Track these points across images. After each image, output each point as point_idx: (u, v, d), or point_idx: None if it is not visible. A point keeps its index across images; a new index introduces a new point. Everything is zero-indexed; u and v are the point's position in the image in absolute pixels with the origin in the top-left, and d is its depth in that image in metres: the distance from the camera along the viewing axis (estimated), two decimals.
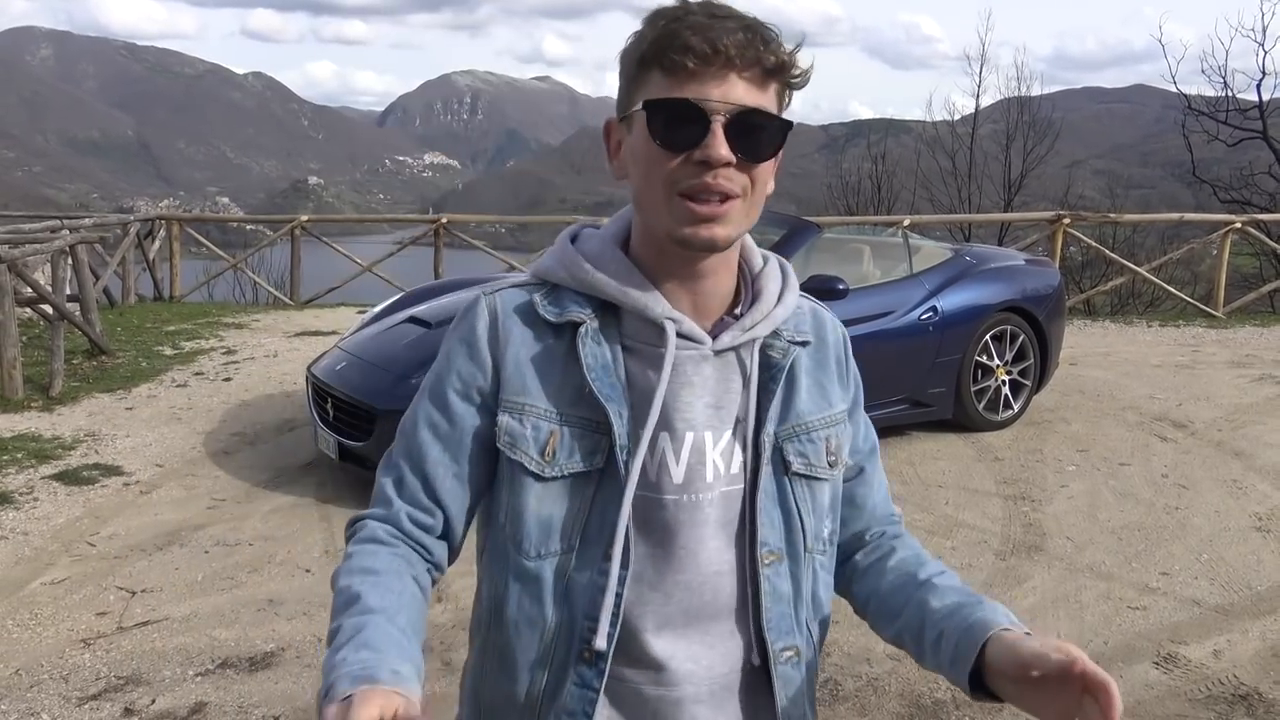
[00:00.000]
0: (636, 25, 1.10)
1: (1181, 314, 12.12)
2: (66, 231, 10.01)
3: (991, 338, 6.38)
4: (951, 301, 6.21)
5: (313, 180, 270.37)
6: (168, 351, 9.13)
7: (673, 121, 1.06)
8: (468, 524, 1.22)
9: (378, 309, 6.44)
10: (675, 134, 1.06)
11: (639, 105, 1.08)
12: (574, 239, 1.23)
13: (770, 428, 1.17)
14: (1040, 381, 6.69)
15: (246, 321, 11.22)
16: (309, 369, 5.78)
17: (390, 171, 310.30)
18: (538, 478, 1.13)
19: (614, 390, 1.13)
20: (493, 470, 1.18)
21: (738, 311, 1.19)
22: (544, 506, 1.14)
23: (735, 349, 1.18)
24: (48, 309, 8.27)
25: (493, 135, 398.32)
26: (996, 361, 6.42)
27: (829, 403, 1.24)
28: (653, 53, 1.07)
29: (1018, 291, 6.56)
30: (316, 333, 10.25)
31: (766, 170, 1.11)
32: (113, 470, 5.71)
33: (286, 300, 13.34)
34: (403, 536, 1.16)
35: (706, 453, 1.15)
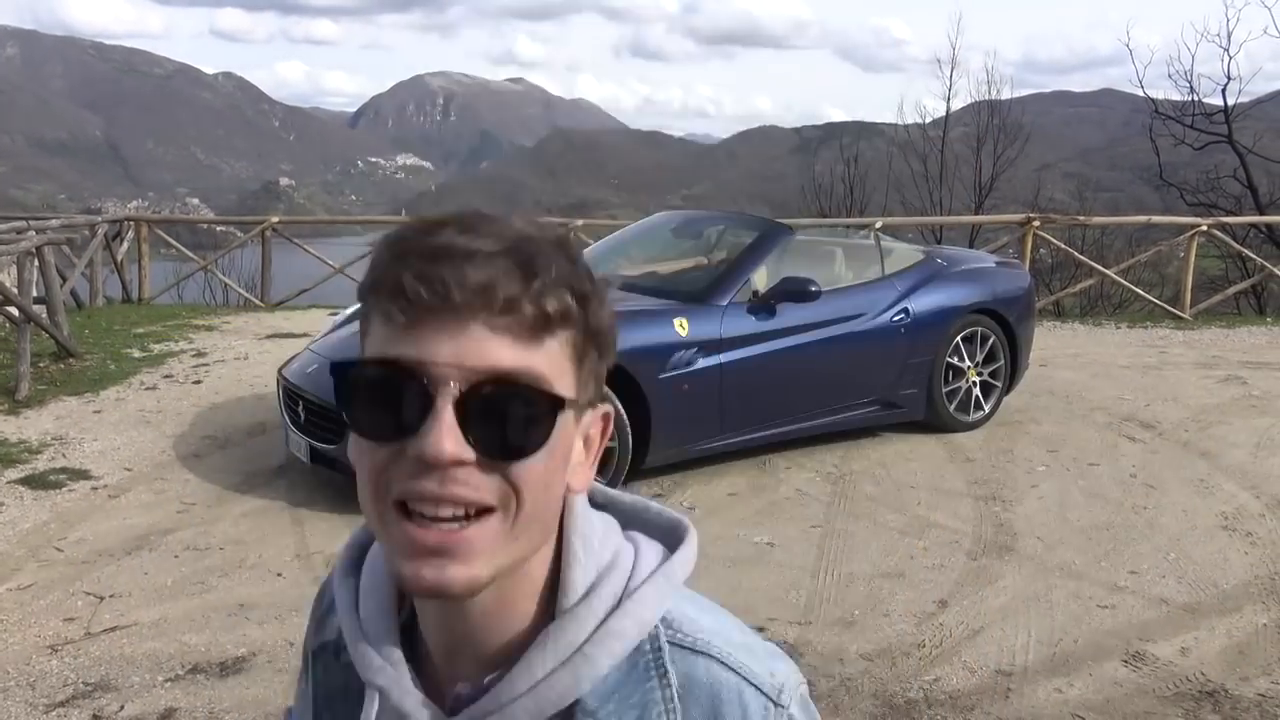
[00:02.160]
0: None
1: (1149, 316, 12.27)
2: (33, 233, 9.88)
3: (962, 339, 6.42)
4: (923, 303, 6.25)
5: (284, 181, 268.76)
6: (136, 354, 9.03)
7: (376, 394, 0.69)
8: None
9: (349, 311, 6.40)
10: (381, 414, 0.69)
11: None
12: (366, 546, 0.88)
13: None
14: (1011, 383, 6.75)
15: (217, 324, 11.12)
16: (280, 371, 5.74)
17: (362, 173, 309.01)
18: None
19: None
20: None
21: (485, 681, 0.76)
22: None
23: None
24: (13, 311, 8.16)
25: (466, 137, 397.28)
26: (967, 363, 6.46)
27: None
28: (368, 290, 0.72)
29: (988, 293, 6.61)
30: (288, 335, 10.17)
31: (538, 471, 0.70)
32: (80, 474, 5.65)
33: (257, 302, 13.24)
34: None
35: None
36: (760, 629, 3.85)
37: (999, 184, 23.74)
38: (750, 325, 5.55)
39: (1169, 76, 20.95)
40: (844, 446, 6.10)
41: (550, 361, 0.70)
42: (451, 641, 0.76)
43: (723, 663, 0.76)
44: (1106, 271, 13.21)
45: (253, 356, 9.02)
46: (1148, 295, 13.22)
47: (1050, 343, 9.59)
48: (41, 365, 8.22)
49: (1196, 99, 20.58)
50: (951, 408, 6.41)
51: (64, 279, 10.42)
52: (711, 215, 7.66)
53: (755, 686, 0.76)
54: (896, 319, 6.13)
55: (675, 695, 0.74)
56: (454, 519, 0.68)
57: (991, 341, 6.54)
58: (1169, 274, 18.34)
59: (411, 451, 0.68)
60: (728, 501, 5.27)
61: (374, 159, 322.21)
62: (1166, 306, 12.31)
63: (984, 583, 4.31)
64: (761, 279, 5.84)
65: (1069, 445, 6.24)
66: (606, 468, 4.99)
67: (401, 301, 0.68)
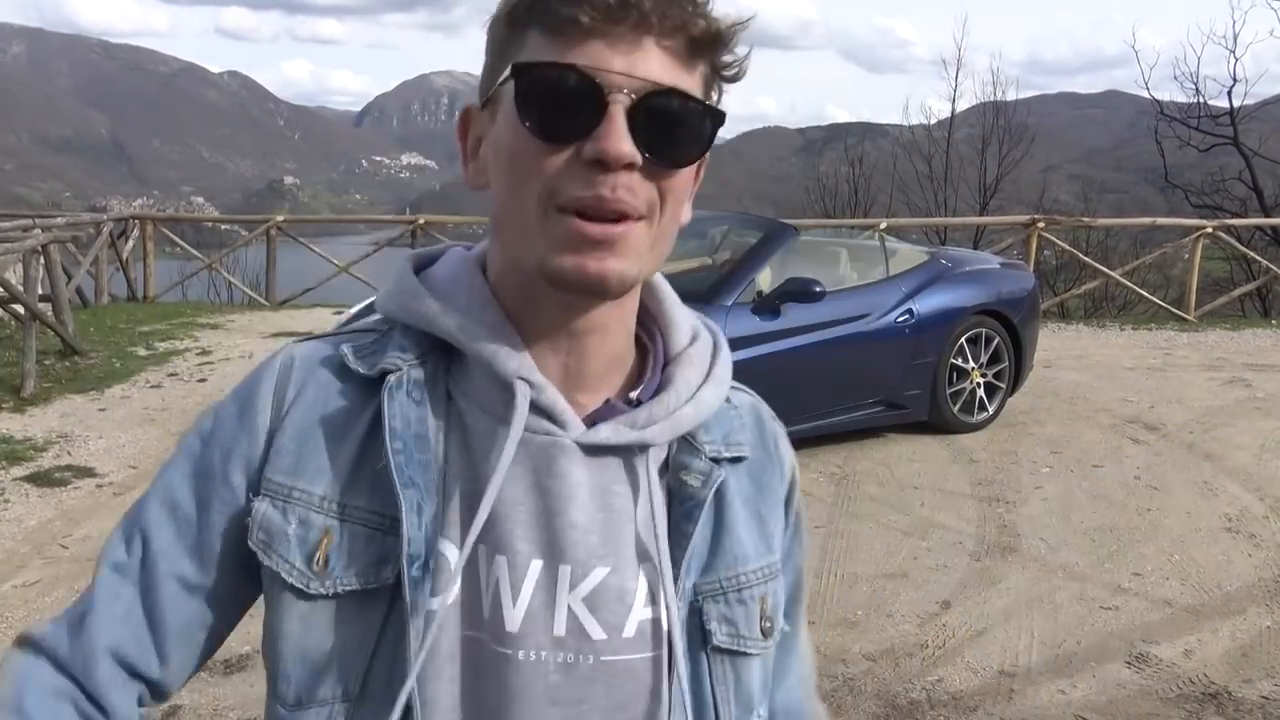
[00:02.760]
0: None
1: (1154, 317, 12.25)
2: (39, 231, 9.91)
3: (967, 340, 6.42)
4: (927, 304, 6.25)
5: (289, 180, 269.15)
6: (141, 352, 9.05)
7: (554, 97, 0.73)
8: (200, 662, 0.87)
9: (354, 310, 6.40)
10: (556, 116, 0.73)
11: (506, 74, 0.76)
12: (432, 262, 0.89)
13: (687, 580, 0.82)
14: (1015, 384, 6.74)
15: (222, 322, 11.14)
16: None
17: (367, 172, 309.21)
18: (301, 594, 0.79)
19: (421, 472, 0.78)
20: (257, 582, 0.84)
21: (633, 397, 0.84)
22: (311, 636, 0.80)
23: (617, 450, 0.81)
24: (19, 309, 8.18)
25: None
26: (972, 364, 6.46)
27: (769, 546, 0.89)
28: (529, 5, 0.75)
29: (993, 295, 6.61)
30: (292, 333, 10.19)
31: (683, 183, 0.78)
32: (85, 472, 5.66)
33: (262, 301, 13.26)
34: (81, 698, 0.80)
35: (561, 597, 0.78)
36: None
37: (1004, 185, 23.77)
38: (754, 325, 5.55)
39: (1175, 78, 21.06)
40: (848, 447, 6.10)
41: (695, 85, 0.77)
42: (570, 366, 0.82)
43: (753, 398, 0.96)
44: (1111, 273, 13.19)
45: (257, 355, 9.03)
46: (1152, 297, 13.20)
47: (1054, 344, 9.58)
48: (47, 363, 8.24)
49: (1202, 101, 20.60)
50: (955, 409, 6.41)
51: (70, 277, 10.44)
52: (715, 215, 7.65)
53: (783, 428, 0.97)
54: (901, 320, 6.13)
55: (741, 415, 0.91)
56: (613, 219, 0.74)
57: (996, 342, 6.53)
58: (1174, 276, 18.31)
59: (588, 154, 0.73)
60: None
61: (378, 158, 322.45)
62: (1171, 308, 12.29)
63: (987, 584, 4.31)
64: (766, 279, 5.84)
65: (1073, 447, 6.24)
66: None
67: (583, 6, 0.72)
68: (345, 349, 0.83)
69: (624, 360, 0.86)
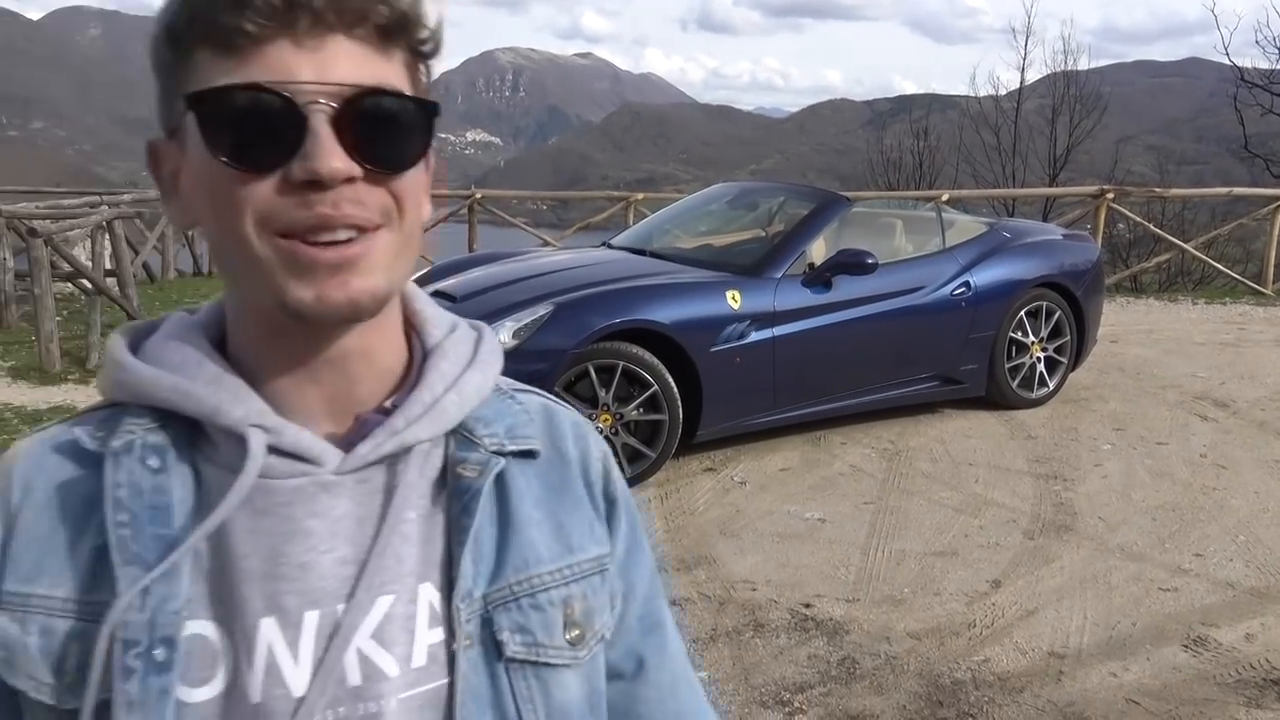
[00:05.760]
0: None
1: (1229, 292, 11.84)
2: (105, 207, 10.13)
3: (1027, 314, 6.24)
4: (985, 276, 6.08)
5: None
6: None
7: (243, 123, 0.65)
8: None
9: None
10: (251, 142, 0.66)
11: (182, 104, 0.68)
12: (150, 333, 0.78)
13: (471, 587, 0.75)
14: (1077, 358, 6.55)
15: None
16: None
17: (433, 149, 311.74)
18: (54, 712, 0.69)
19: (154, 546, 0.69)
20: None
21: (387, 404, 0.77)
22: None
23: (383, 463, 0.74)
24: (86, 284, 8.38)
25: (534, 112, 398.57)
26: (1032, 338, 6.28)
27: (569, 546, 0.81)
28: (188, 20, 0.67)
29: (1054, 266, 6.41)
30: None
31: (415, 181, 0.71)
32: None
33: None
34: None
35: (352, 640, 0.71)
36: (807, 604, 3.79)
37: (1075, 157, 23.14)
38: (805, 298, 5.45)
39: (1256, 43, 20.19)
40: (902, 422, 5.98)
41: (397, 74, 0.70)
42: (336, 395, 0.75)
43: (544, 399, 0.87)
44: (1185, 246, 12.75)
45: None
46: (1228, 270, 12.75)
47: (1122, 318, 9.31)
48: None
49: None
50: (1014, 384, 6.24)
51: (136, 252, 10.67)
52: (768, 186, 7.55)
53: (582, 424, 0.88)
54: (957, 292, 5.97)
55: (527, 410, 0.83)
56: (348, 240, 0.67)
57: (1057, 316, 6.35)
58: (1255, 250, 17.70)
59: (297, 175, 0.65)
60: (780, 477, 5.20)
61: (444, 135, 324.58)
62: (1248, 282, 11.86)
63: (1040, 563, 4.19)
64: (819, 251, 5.73)
65: (1137, 423, 6.04)
66: (656, 441, 4.95)
67: (249, 14, 0.64)
68: (78, 430, 0.74)
69: (398, 373, 0.78)
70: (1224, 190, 14.11)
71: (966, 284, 6.00)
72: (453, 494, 0.76)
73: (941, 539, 4.43)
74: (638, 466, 4.93)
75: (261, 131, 0.65)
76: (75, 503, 0.72)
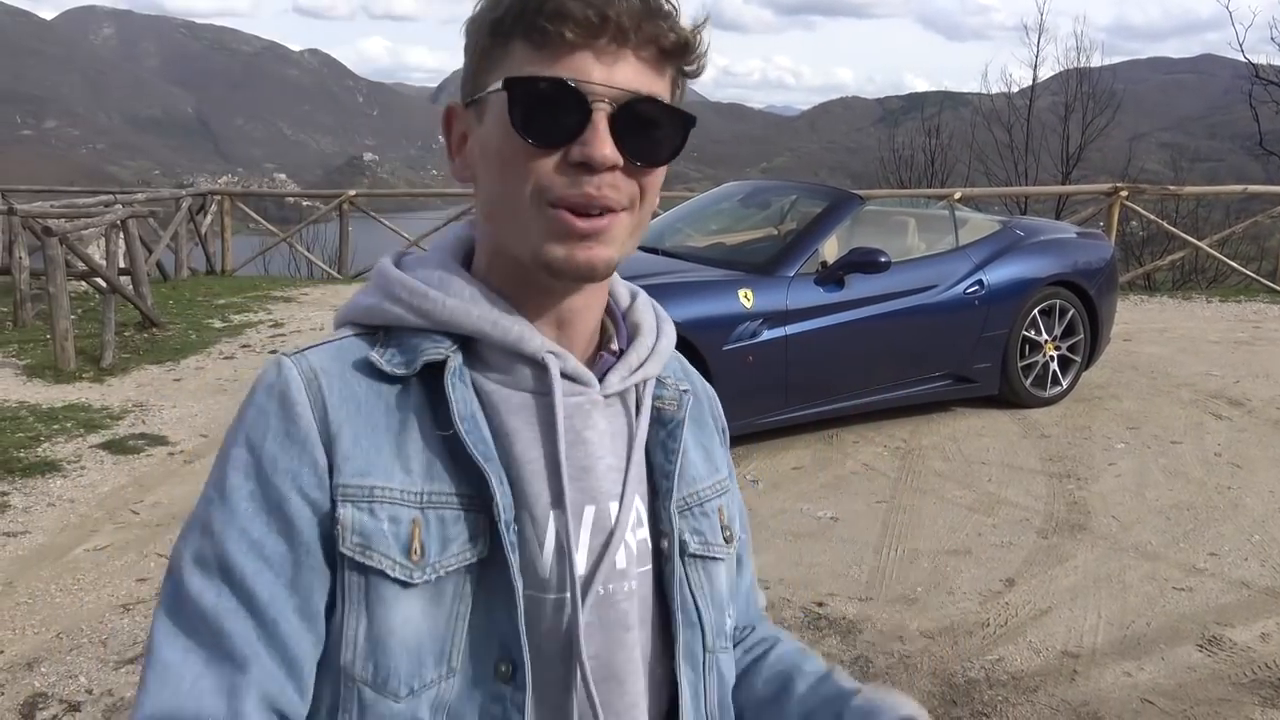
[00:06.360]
0: None
1: (1244, 290, 11.78)
2: (119, 206, 10.17)
3: (1040, 312, 6.22)
4: (998, 275, 6.06)
5: (368, 157, 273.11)
6: (217, 324, 9.25)
7: (543, 107, 0.82)
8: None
9: None
10: (546, 124, 0.82)
11: (496, 85, 0.84)
12: (397, 265, 0.96)
13: (675, 497, 0.94)
14: (1090, 357, 6.52)
15: (295, 295, 11.34)
16: None
17: (444, 148, 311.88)
18: (405, 585, 0.82)
19: (490, 449, 0.86)
20: (332, 594, 0.85)
21: (614, 347, 0.96)
22: (412, 624, 0.83)
23: (622, 395, 0.94)
24: (100, 282, 8.42)
25: None
26: (1045, 336, 6.27)
27: (715, 466, 1.04)
28: (514, 17, 0.83)
29: (1068, 265, 6.39)
30: None
31: (660, 177, 0.88)
32: (158, 440, 5.80)
33: (336, 275, 13.48)
34: None
35: (615, 532, 0.89)
36: (820, 603, 3.79)
37: (1089, 154, 23.02)
38: (817, 297, 5.45)
39: (1271, 39, 20.06)
40: (914, 421, 5.97)
41: (664, 88, 0.86)
42: (562, 339, 0.92)
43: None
44: (1199, 244, 12.68)
45: (328, 327, 9.13)
46: (1242, 268, 12.68)
47: (1136, 317, 9.28)
48: (126, 334, 8.47)
49: None
50: (1028, 383, 6.23)
51: (150, 251, 10.71)
52: (780, 185, 7.53)
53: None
54: (970, 291, 5.96)
55: (677, 359, 1.05)
56: (600, 214, 0.84)
57: (1071, 314, 6.33)
58: (1269, 247, 17.58)
59: (575, 157, 0.82)
60: (792, 475, 5.20)
61: None
62: (1262, 280, 11.78)
63: (1054, 562, 4.18)
64: (831, 250, 5.72)
65: (1151, 422, 6.02)
66: None
67: (567, 23, 0.80)
68: (373, 354, 0.88)
69: (598, 328, 0.96)
70: (1238, 188, 14.01)
71: (979, 282, 5.99)
72: (656, 422, 0.96)
73: (955, 538, 4.42)
74: None
75: (555, 117, 0.82)
76: (378, 411, 0.86)
